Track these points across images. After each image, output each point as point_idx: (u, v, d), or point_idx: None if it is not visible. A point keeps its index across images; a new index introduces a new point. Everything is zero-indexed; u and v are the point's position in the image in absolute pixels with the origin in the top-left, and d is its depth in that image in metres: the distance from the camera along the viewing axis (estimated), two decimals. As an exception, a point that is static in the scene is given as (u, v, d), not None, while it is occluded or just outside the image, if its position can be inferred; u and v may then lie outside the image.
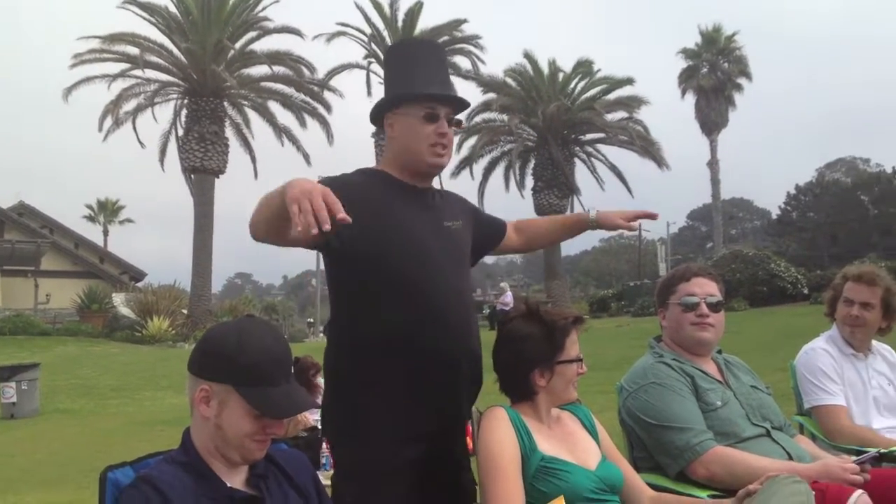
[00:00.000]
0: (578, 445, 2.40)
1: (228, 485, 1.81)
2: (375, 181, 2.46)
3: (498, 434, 2.26)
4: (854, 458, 2.61)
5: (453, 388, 2.39)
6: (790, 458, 2.62)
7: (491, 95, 32.61)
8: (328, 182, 2.33)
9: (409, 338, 2.32)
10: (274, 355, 1.86)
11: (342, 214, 1.86)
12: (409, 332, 2.32)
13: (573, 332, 2.42)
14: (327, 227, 1.83)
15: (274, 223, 2.12)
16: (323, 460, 7.87)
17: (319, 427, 8.52)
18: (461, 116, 2.54)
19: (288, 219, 1.88)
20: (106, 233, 54.94)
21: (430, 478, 2.33)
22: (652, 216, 2.84)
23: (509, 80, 32.90)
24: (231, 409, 1.80)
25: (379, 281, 2.34)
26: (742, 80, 43.26)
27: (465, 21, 32.58)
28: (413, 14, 32.01)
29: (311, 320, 36.56)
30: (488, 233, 2.81)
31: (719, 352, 3.01)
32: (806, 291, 22.81)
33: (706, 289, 2.88)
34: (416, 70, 2.50)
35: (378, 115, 2.54)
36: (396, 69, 2.55)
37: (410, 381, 2.32)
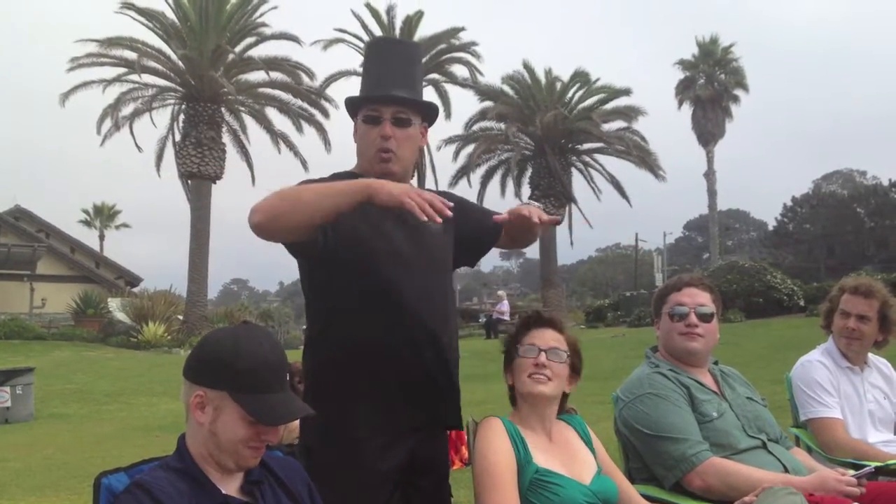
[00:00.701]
0: (575, 458, 2.39)
1: (223, 492, 1.81)
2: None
3: (494, 444, 2.26)
4: (851, 472, 2.61)
5: (424, 392, 2.34)
6: (786, 470, 2.62)
7: (488, 104, 32.67)
8: (305, 184, 2.33)
9: (377, 343, 2.29)
10: (270, 362, 1.85)
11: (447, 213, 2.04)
12: (378, 337, 2.29)
13: (535, 329, 2.44)
14: (448, 213, 2.03)
15: (320, 215, 2.16)
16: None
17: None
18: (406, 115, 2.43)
19: (324, 216, 2.10)
20: (102, 237, 54.88)
21: (408, 486, 2.33)
22: (555, 221, 2.60)
23: (506, 89, 32.96)
24: (226, 416, 1.79)
25: (347, 285, 2.32)
26: (739, 92, 43.43)
27: (462, 29, 32.66)
28: (411, 22, 32.09)
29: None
30: (478, 229, 2.63)
31: (715, 363, 3.01)
32: (802, 303, 22.79)
33: (697, 299, 2.88)
34: (370, 72, 2.49)
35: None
36: (363, 72, 2.55)
37: (381, 387, 2.29)
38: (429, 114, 2.52)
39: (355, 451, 2.26)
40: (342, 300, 2.34)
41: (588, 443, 2.49)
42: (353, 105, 2.48)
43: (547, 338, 2.43)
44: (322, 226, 2.23)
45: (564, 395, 2.47)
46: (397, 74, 2.45)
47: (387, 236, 2.35)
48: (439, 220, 2.02)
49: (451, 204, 2.07)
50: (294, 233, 2.22)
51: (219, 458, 1.82)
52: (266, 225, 2.18)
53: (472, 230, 2.61)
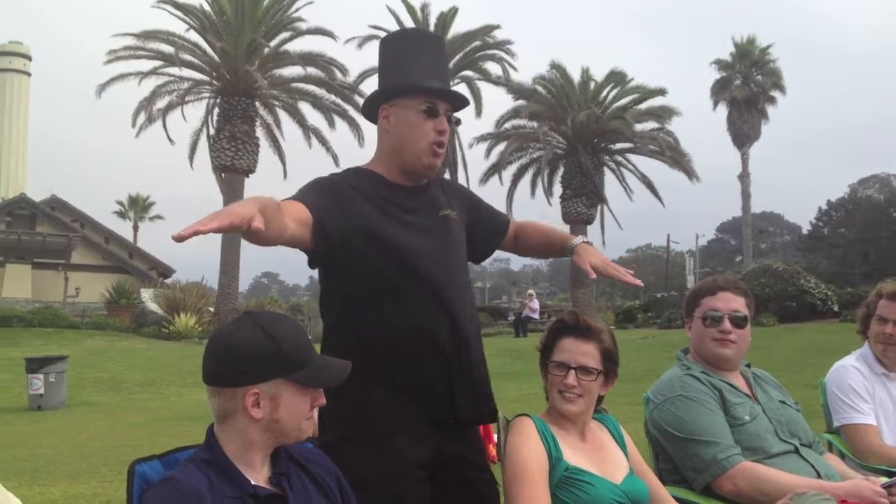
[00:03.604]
0: (607, 457, 2.38)
1: (253, 482, 1.82)
2: (363, 181, 2.39)
3: (525, 442, 2.26)
4: (885, 479, 2.57)
5: (448, 383, 2.32)
6: (819, 475, 2.58)
7: (521, 102, 32.58)
8: (316, 182, 2.35)
9: (395, 334, 2.28)
10: (301, 335, 1.90)
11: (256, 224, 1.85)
12: (396, 329, 2.28)
13: (566, 338, 2.40)
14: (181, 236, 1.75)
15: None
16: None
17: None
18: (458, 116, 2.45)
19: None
20: (136, 228, 55.54)
21: (441, 480, 2.30)
22: (635, 284, 2.57)
23: (539, 88, 32.85)
24: (286, 400, 1.82)
25: (365, 282, 2.31)
26: (775, 93, 42.94)
27: (497, 27, 32.67)
28: (445, 19, 32.11)
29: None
30: (488, 227, 2.66)
31: (748, 366, 2.98)
32: (836, 309, 22.52)
33: (731, 304, 2.83)
34: (415, 61, 2.40)
35: (372, 107, 2.44)
36: (394, 59, 2.44)
37: (403, 380, 2.27)
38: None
39: (381, 447, 2.24)
40: (359, 293, 2.32)
41: (621, 443, 2.48)
42: (392, 93, 2.39)
43: (577, 353, 2.37)
44: (321, 235, 2.23)
45: (600, 397, 2.46)
46: (443, 70, 2.45)
47: (404, 228, 2.34)
48: (176, 235, 1.77)
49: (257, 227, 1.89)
50: (270, 241, 2.10)
51: (278, 440, 1.86)
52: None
53: (481, 226, 2.63)
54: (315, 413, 1.90)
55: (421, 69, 2.37)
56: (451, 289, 2.36)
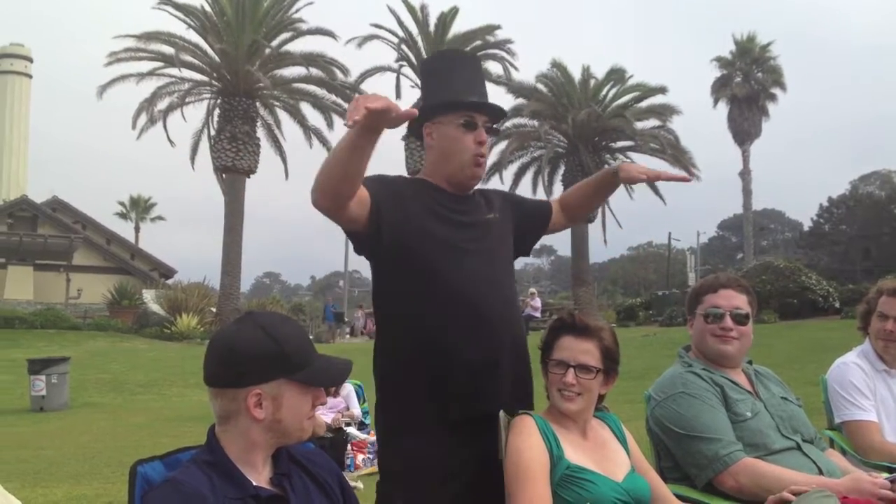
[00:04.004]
0: (608, 455, 2.38)
1: (254, 483, 1.82)
2: (416, 185, 2.54)
3: (528, 440, 2.26)
4: (886, 475, 2.57)
5: (493, 385, 2.39)
6: (820, 472, 2.58)
7: (522, 101, 32.58)
8: (375, 175, 2.45)
9: (444, 337, 2.36)
10: (302, 335, 1.92)
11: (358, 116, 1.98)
12: (444, 331, 2.36)
13: (566, 336, 2.41)
14: (357, 117, 1.97)
15: (346, 161, 2.17)
16: (347, 461, 7.93)
17: (343, 428, 8.59)
18: (498, 125, 2.58)
19: (351, 162, 2.14)
20: (137, 229, 55.60)
21: (478, 480, 2.35)
22: (685, 178, 2.94)
23: (540, 86, 32.84)
24: (287, 400, 1.83)
25: (415, 283, 2.39)
26: (776, 90, 42.92)
27: (498, 27, 32.65)
28: (446, 19, 32.08)
29: (349, 320, 36.54)
30: (534, 216, 2.81)
31: (749, 362, 2.98)
32: (837, 305, 22.51)
33: (733, 301, 2.84)
34: (453, 79, 2.55)
35: (416, 125, 2.56)
36: (432, 78, 2.61)
37: (449, 380, 2.35)
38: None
39: (423, 448, 2.32)
40: (404, 289, 2.42)
41: (622, 441, 2.48)
42: (433, 111, 2.52)
43: (577, 351, 2.38)
44: (376, 218, 2.36)
45: (600, 395, 2.46)
46: (481, 86, 2.58)
47: (448, 229, 2.46)
48: (350, 122, 2.00)
49: (412, 112, 2.11)
50: (343, 198, 2.26)
51: (280, 440, 1.87)
52: (321, 197, 2.24)
53: (527, 217, 2.76)
54: (316, 413, 1.91)
55: (458, 85, 2.53)
56: (491, 293, 2.44)
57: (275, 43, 30.41)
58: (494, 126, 2.55)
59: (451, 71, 2.58)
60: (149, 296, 33.44)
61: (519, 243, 2.71)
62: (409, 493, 2.32)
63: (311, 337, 2.08)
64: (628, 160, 32.76)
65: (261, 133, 31.07)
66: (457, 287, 2.38)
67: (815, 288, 23.50)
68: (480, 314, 2.36)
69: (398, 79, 32.45)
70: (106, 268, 41.91)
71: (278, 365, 1.82)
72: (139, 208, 56.22)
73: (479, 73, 2.64)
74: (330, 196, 2.24)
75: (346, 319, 36.69)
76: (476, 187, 2.63)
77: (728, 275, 3.12)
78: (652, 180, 2.71)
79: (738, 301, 2.85)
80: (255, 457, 1.84)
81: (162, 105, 29.20)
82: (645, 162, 32.19)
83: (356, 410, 8.97)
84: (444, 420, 2.33)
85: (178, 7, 29.13)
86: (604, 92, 32.71)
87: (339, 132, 31.05)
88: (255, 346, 1.82)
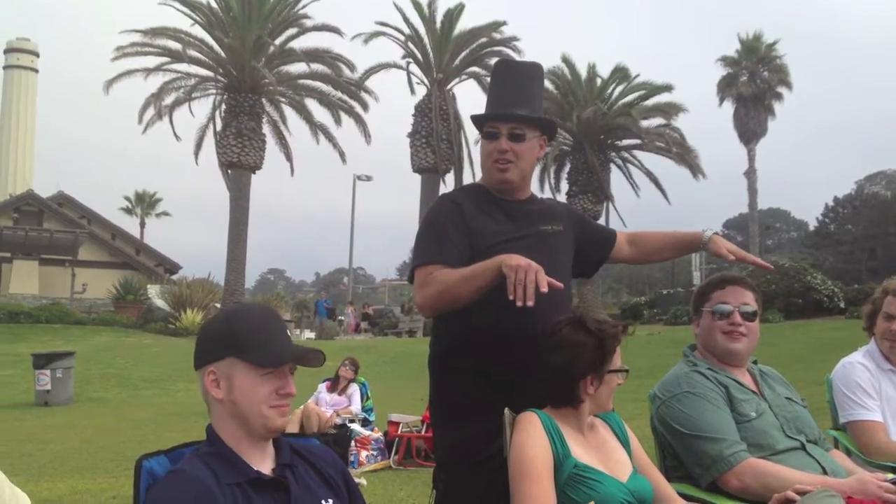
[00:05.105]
0: (611, 455, 2.38)
1: (255, 469, 1.84)
2: (470, 194, 2.73)
3: (532, 438, 2.26)
4: (891, 475, 2.56)
5: (534, 380, 2.46)
6: (825, 472, 2.58)
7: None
8: (445, 200, 2.72)
9: (488, 333, 2.47)
10: (263, 318, 1.94)
11: (544, 288, 2.19)
12: (489, 327, 2.46)
13: (620, 341, 2.43)
14: (531, 303, 2.18)
15: (477, 293, 2.38)
16: (351, 458, 7.95)
17: (348, 425, 8.61)
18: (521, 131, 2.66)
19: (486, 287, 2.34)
20: (143, 225, 55.72)
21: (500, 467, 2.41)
22: (767, 268, 3.21)
23: (546, 83, 32.77)
24: (239, 380, 1.85)
25: None
26: (782, 89, 42.76)
27: (504, 23, 32.61)
28: (452, 15, 32.04)
29: (343, 318, 36.63)
30: (596, 239, 2.96)
31: (755, 362, 2.98)
32: (842, 305, 22.48)
33: (741, 298, 2.84)
34: (492, 93, 2.73)
35: None
36: (489, 92, 2.78)
37: (492, 375, 2.49)
38: (546, 127, 2.75)
39: (464, 436, 2.49)
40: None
41: (625, 441, 2.48)
42: (476, 123, 2.74)
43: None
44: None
45: (607, 392, 2.44)
46: (515, 93, 2.69)
47: (511, 239, 2.57)
48: (521, 303, 2.18)
49: (559, 286, 2.26)
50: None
51: (246, 427, 1.86)
52: (429, 314, 2.57)
53: (590, 241, 2.92)
54: (285, 404, 1.90)
55: (494, 99, 2.71)
56: (550, 297, 2.40)
57: (280, 39, 30.43)
58: (517, 132, 2.62)
59: (493, 84, 2.76)
60: (154, 291, 33.49)
61: (578, 263, 2.84)
62: (449, 474, 2.53)
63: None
64: (634, 159, 32.83)
65: (266, 129, 31.10)
66: (496, 295, 2.37)
67: (821, 288, 23.47)
68: (529, 312, 2.31)
69: (409, 75, 32.43)
70: (111, 263, 41.95)
71: (228, 343, 1.86)
72: (144, 203, 56.29)
73: (518, 81, 2.72)
74: (436, 313, 2.55)
75: (340, 317, 36.84)
76: (537, 196, 2.83)
77: (733, 273, 3.12)
78: (737, 260, 2.87)
79: (746, 298, 2.85)
80: (243, 446, 1.86)
81: (168, 100, 29.30)
82: (650, 160, 32.24)
83: (354, 407, 9.01)
84: (485, 412, 2.43)
85: (184, 2, 29.17)
86: (609, 90, 32.64)
87: (346, 129, 31.14)
88: (212, 327, 1.95)
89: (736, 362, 2.87)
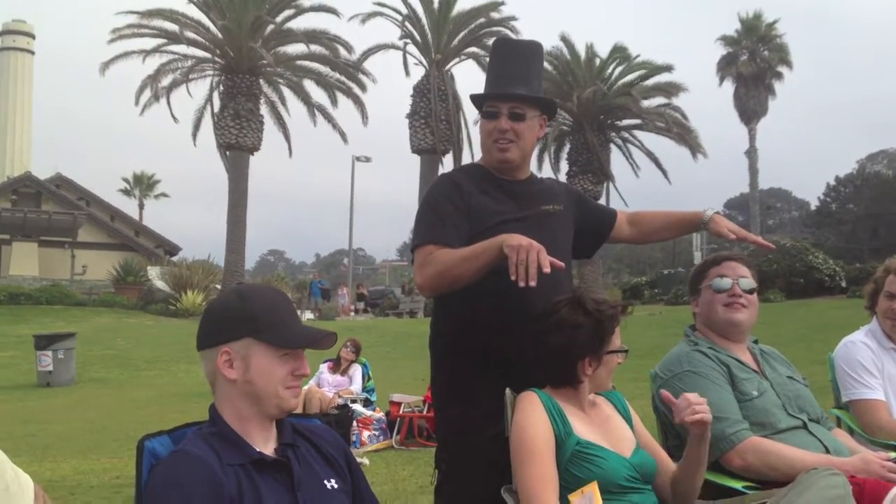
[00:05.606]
0: (614, 432, 2.38)
1: (258, 450, 1.84)
2: (469, 174, 2.72)
3: (532, 417, 2.26)
4: (894, 454, 2.56)
5: (516, 363, 2.48)
6: (827, 451, 2.58)
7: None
8: (445, 179, 2.71)
9: (491, 318, 2.48)
10: (278, 300, 1.93)
11: (546, 269, 2.17)
12: (495, 314, 2.47)
13: (619, 322, 2.42)
14: (533, 283, 2.15)
15: (478, 274, 2.37)
16: (353, 438, 7.97)
17: (349, 405, 8.63)
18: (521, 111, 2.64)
19: (487, 267, 2.33)
20: (142, 206, 55.64)
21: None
22: (768, 247, 3.19)
23: (545, 63, 32.57)
24: (257, 360, 1.83)
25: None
26: (782, 69, 42.61)
27: (502, 3, 32.41)
28: (450, -5, 31.85)
29: (338, 299, 36.65)
30: (596, 219, 2.95)
31: (756, 342, 2.97)
32: (844, 284, 22.49)
33: (738, 271, 2.85)
34: (491, 73, 2.72)
35: None
36: (487, 71, 2.77)
37: (492, 356, 2.50)
38: (546, 106, 2.74)
39: (464, 418, 2.52)
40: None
41: (627, 417, 2.48)
42: (476, 102, 2.71)
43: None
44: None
45: (606, 372, 2.45)
46: (515, 72, 2.67)
47: (511, 219, 2.56)
48: (523, 284, 2.16)
49: (560, 265, 2.25)
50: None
51: (258, 407, 1.86)
52: (429, 294, 2.56)
53: (590, 221, 2.90)
54: (298, 384, 1.90)
55: (493, 78, 2.69)
56: (552, 278, 2.38)
57: (278, 19, 30.26)
58: (517, 111, 2.60)
59: (492, 63, 2.75)
60: (154, 272, 33.54)
61: (578, 243, 2.83)
62: (451, 454, 2.57)
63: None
64: (634, 139, 32.74)
65: (264, 110, 31.01)
66: (496, 275, 2.37)
67: (822, 267, 23.48)
68: (530, 292, 2.30)
69: (405, 56, 32.31)
70: (111, 244, 41.95)
71: (245, 324, 1.84)
72: (143, 185, 56.18)
73: (517, 60, 2.71)
74: (437, 293, 2.54)
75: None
76: (537, 176, 2.82)
77: (730, 251, 3.13)
78: (738, 239, 2.86)
79: (743, 272, 2.86)
80: (249, 426, 1.86)
81: (165, 81, 29.18)
82: (651, 140, 32.14)
83: (355, 387, 9.03)
84: (486, 392, 2.44)
85: (181, -18, 28.98)
86: (609, 70, 32.50)
87: (343, 109, 31.02)
88: (225, 307, 1.91)
89: (737, 337, 2.86)
